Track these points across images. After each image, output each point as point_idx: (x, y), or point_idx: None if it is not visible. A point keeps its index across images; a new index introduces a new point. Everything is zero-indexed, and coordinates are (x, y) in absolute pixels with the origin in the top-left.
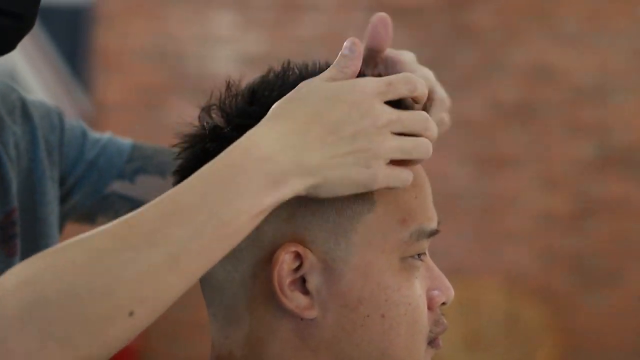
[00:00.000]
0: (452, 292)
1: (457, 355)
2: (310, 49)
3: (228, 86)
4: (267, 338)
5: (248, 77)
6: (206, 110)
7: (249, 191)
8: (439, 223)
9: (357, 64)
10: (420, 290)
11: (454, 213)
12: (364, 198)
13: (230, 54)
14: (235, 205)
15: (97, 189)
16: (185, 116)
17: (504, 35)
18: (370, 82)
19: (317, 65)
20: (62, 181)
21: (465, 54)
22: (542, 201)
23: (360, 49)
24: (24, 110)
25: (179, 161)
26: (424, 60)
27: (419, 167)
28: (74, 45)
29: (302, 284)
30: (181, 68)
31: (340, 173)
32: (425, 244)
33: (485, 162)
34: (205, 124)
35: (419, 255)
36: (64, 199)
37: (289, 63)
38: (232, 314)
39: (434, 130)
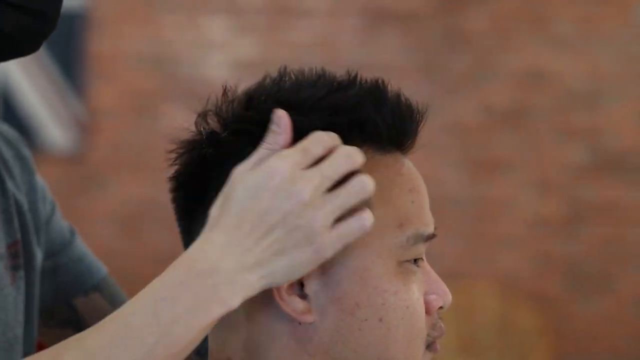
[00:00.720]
0: (449, 297)
1: (451, 359)
2: (303, 54)
3: (224, 92)
4: (265, 343)
5: (242, 82)
6: (202, 115)
7: (198, 306)
8: (435, 228)
9: (287, 137)
10: (418, 294)
11: (447, 217)
12: (361, 202)
13: (224, 60)
14: (185, 320)
15: (66, 293)
16: (179, 121)
17: (497, 40)
18: (284, 160)
19: (314, 71)
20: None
21: (458, 58)
22: (535, 206)
23: (287, 120)
24: (29, 166)
25: (176, 167)
26: (417, 65)
27: (415, 173)
28: (67, 51)
29: (299, 288)
30: (174, 73)
31: (284, 260)
32: (422, 248)
33: (478, 166)
34: (202, 129)
35: (415, 260)
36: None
37: (285, 69)
38: (229, 319)
39: (358, 156)
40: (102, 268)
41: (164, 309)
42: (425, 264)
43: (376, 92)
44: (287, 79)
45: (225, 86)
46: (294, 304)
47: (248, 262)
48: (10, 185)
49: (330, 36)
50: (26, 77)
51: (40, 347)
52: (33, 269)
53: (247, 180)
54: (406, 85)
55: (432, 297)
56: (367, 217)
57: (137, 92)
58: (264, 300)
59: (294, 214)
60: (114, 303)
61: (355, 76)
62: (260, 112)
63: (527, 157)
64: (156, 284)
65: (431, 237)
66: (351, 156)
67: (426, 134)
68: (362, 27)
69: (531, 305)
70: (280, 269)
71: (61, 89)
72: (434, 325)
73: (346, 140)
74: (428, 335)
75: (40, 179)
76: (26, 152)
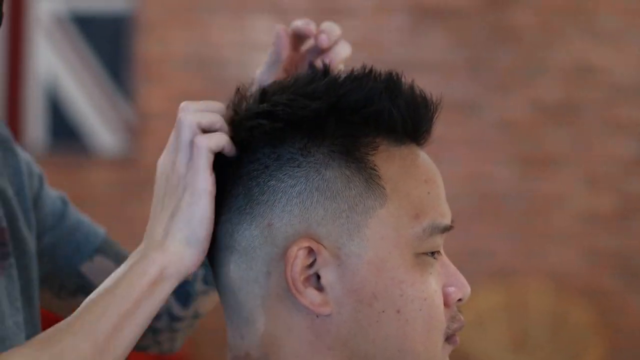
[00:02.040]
0: (468, 289)
1: (504, 356)
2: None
3: (238, 90)
4: (282, 336)
5: None
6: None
7: (136, 270)
8: (453, 221)
9: (285, 52)
10: (436, 285)
11: (498, 214)
12: (375, 193)
13: None
14: (128, 279)
15: (72, 263)
16: None
17: (544, 35)
18: (165, 152)
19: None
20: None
21: (505, 54)
22: (586, 201)
23: (285, 35)
24: (10, 146)
25: None
26: (464, 63)
27: (431, 164)
28: (115, 55)
29: (316, 280)
30: (221, 75)
31: (180, 215)
32: (439, 240)
33: (528, 162)
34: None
35: (432, 253)
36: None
37: (311, 65)
38: (247, 313)
39: (214, 107)
40: (99, 230)
41: (113, 283)
42: (443, 256)
43: (390, 84)
44: (304, 75)
45: (240, 85)
46: (311, 296)
47: (159, 234)
48: None
49: (375, 35)
50: (75, 82)
51: (56, 320)
52: (25, 253)
53: (157, 169)
54: (454, 82)
55: (451, 289)
56: (199, 140)
57: (185, 94)
58: (280, 293)
59: (170, 184)
60: (118, 260)
61: (371, 70)
62: (274, 104)
63: (577, 152)
64: (129, 261)
65: (448, 228)
66: (191, 126)
67: (476, 130)
68: (408, 25)
69: (584, 301)
70: (184, 223)
71: (110, 93)
72: (452, 317)
73: (361, 132)
74: (447, 327)
75: (24, 154)
76: (4, 132)
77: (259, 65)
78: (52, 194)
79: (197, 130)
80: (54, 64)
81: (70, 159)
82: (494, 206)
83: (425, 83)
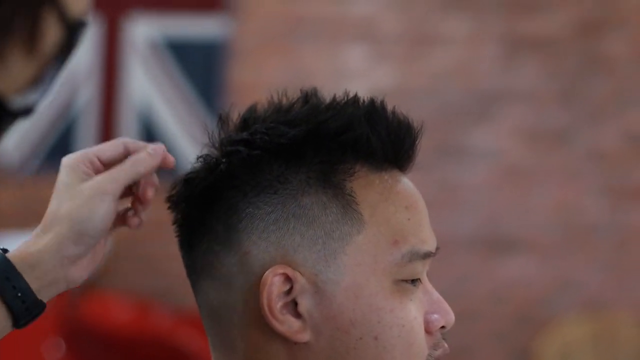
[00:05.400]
0: (451, 316)
1: None
2: (442, 82)
3: (220, 118)
4: None
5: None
6: (204, 145)
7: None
8: (437, 248)
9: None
10: (416, 312)
11: (588, 245)
12: (352, 219)
13: (362, 88)
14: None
15: None
16: None
17: (637, 65)
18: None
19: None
20: None
21: (598, 84)
22: None
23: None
24: None
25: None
26: (557, 92)
27: (413, 190)
28: (208, 81)
29: (294, 307)
30: None
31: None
32: (420, 267)
33: (619, 193)
34: (201, 157)
35: (413, 281)
36: None
37: (285, 92)
38: (228, 340)
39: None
40: None
41: None
42: (426, 282)
43: (371, 110)
44: (286, 103)
45: (221, 114)
46: (288, 323)
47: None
48: None
49: (468, 64)
50: (169, 108)
51: None
52: None
53: None
54: (546, 112)
55: (434, 316)
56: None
57: None
58: (258, 321)
59: None
60: None
61: (353, 97)
62: (253, 132)
63: None
64: None
65: (429, 255)
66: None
67: (567, 161)
68: (501, 54)
69: None
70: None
71: (202, 119)
72: (435, 344)
73: (339, 158)
74: (429, 355)
75: None
76: None
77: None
78: None
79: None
80: (147, 89)
81: (162, 184)
82: (584, 237)
83: (518, 112)
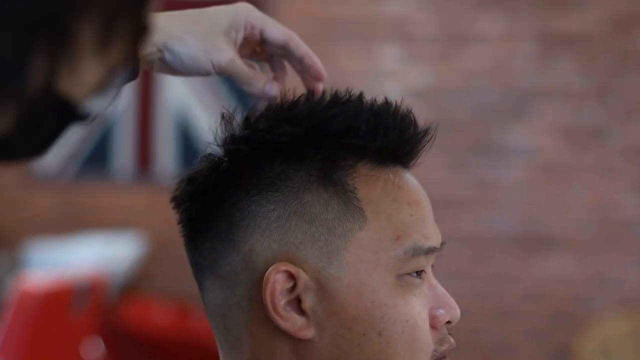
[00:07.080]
0: (457, 311)
1: None
2: (476, 81)
3: (223, 118)
4: None
5: (414, 111)
6: (209, 144)
7: None
8: (443, 243)
9: None
10: (420, 307)
11: (625, 242)
12: (354, 216)
13: (397, 88)
14: None
15: None
16: None
17: None
18: None
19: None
20: None
21: (633, 81)
22: None
23: None
24: None
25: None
26: (592, 89)
27: (416, 186)
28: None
29: (297, 304)
30: None
31: None
32: (423, 262)
33: None
34: (207, 156)
35: (417, 273)
36: None
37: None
38: (234, 338)
39: None
40: None
41: None
42: (431, 277)
43: (374, 107)
44: (288, 103)
45: (223, 113)
46: (292, 320)
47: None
48: None
49: (503, 62)
50: (205, 112)
51: None
52: None
53: None
54: (581, 109)
55: (439, 311)
56: None
57: None
58: (262, 318)
59: None
60: None
61: (356, 94)
62: (254, 130)
63: None
64: None
65: (433, 250)
66: None
67: (603, 157)
68: (535, 52)
69: None
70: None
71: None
72: (441, 340)
73: (340, 155)
74: (435, 350)
75: None
76: None
77: (385, 93)
78: None
79: None
80: (184, 94)
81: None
82: (621, 234)
83: (553, 110)
